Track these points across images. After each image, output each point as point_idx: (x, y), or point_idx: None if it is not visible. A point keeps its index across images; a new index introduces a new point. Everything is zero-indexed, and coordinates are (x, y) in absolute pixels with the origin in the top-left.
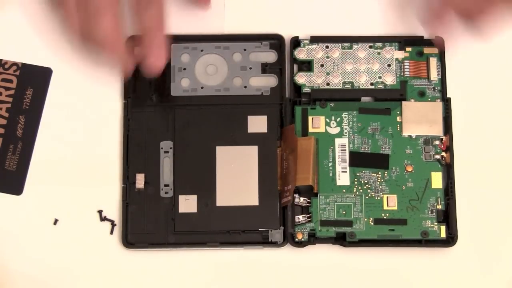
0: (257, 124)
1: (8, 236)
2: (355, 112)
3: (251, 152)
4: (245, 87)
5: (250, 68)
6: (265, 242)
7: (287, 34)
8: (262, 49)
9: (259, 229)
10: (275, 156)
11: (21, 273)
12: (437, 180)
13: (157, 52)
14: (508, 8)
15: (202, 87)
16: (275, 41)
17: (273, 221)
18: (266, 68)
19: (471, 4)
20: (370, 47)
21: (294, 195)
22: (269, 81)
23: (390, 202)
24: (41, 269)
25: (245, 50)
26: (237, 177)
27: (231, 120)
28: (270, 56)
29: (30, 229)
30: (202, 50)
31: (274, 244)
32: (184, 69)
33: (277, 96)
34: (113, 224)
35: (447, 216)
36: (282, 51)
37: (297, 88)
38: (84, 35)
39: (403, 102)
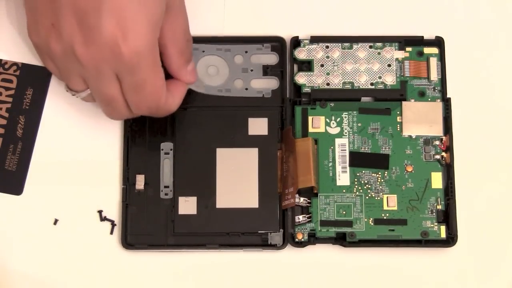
0: (258, 126)
1: (8, 236)
2: (355, 112)
3: (252, 154)
4: (246, 89)
5: (251, 70)
6: (264, 244)
7: (287, 34)
8: (263, 51)
9: (259, 232)
10: (275, 158)
11: (21, 273)
12: (437, 180)
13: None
14: None
15: (203, 88)
16: (276, 43)
17: (272, 224)
18: (267, 71)
19: None
20: (370, 47)
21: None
22: (270, 83)
23: (390, 202)
24: (41, 269)
25: (246, 52)
26: (237, 179)
27: (231, 122)
28: (272, 58)
29: (30, 229)
30: (203, 51)
31: (273, 246)
32: None
33: (278, 98)
34: (113, 224)
35: (447, 216)
36: (283, 54)
37: (297, 88)
38: None
39: (403, 102)
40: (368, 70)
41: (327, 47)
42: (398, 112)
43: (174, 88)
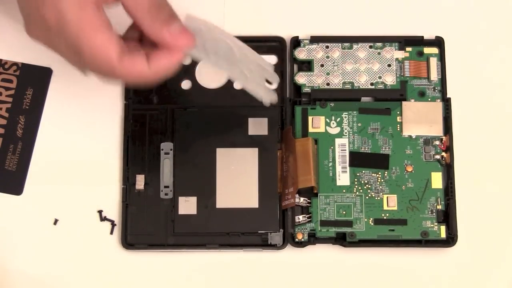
0: (258, 126)
1: (8, 236)
2: (355, 112)
3: (252, 155)
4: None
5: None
6: (264, 244)
7: (287, 34)
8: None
9: (259, 232)
10: (275, 158)
11: (21, 273)
12: (437, 180)
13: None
14: None
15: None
16: (276, 43)
17: (272, 224)
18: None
19: None
20: (370, 47)
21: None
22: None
23: (390, 202)
24: (41, 269)
25: None
26: (237, 179)
27: (231, 122)
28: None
29: (30, 229)
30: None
31: (273, 246)
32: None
33: (278, 98)
34: (113, 224)
35: (447, 216)
36: (283, 54)
37: (297, 88)
38: None
39: (403, 102)
40: (368, 70)
41: (327, 47)
42: (398, 112)
43: (154, 56)
